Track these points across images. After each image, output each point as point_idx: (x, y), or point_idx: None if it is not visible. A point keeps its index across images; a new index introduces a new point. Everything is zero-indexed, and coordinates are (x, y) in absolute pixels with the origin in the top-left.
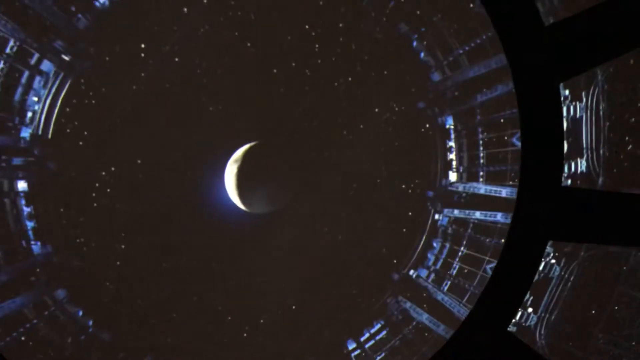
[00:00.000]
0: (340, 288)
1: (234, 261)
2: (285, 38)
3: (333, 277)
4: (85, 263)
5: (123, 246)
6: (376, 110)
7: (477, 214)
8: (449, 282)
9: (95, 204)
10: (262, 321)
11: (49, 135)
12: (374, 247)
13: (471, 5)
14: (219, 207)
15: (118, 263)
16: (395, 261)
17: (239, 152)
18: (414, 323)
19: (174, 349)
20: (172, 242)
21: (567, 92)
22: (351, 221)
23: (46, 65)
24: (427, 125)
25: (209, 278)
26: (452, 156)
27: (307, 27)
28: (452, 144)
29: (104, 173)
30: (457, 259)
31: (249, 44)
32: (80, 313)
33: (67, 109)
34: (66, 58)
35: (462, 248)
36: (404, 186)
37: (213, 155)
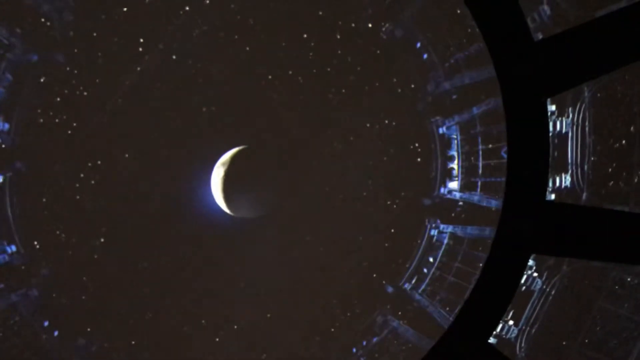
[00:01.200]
0: (319, 299)
1: (213, 264)
2: (282, 45)
3: (312, 288)
4: (62, 255)
5: (102, 240)
6: (367, 125)
7: (470, 229)
8: (438, 296)
9: (77, 197)
10: (235, 327)
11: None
12: (357, 259)
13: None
14: (203, 208)
15: (95, 256)
16: (374, 275)
17: (227, 156)
18: (396, 334)
19: (145, 348)
20: (152, 241)
21: (553, 107)
22: (335, 232)
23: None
24: (422, 134)
25: (186, 279)
26: (453, 165)
27: (305, 35)
28: (452, 153)
29: (90, 164)
30: (450, 274)
31: (247, 48)
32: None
33: (58, 99)
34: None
35: (455, 263)
36: (389, 201)
37: (201, 156)
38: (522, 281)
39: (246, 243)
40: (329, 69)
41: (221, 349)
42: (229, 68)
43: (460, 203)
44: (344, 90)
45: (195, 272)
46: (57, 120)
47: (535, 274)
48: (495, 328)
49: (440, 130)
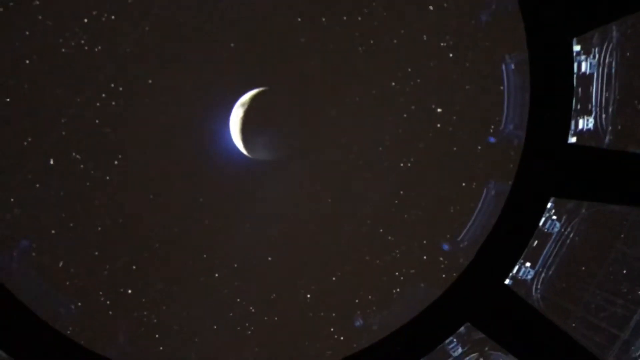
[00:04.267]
0: (315, 246)
1: (222, 202)
2: None
3: (314, 237)
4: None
5: (116, 161)
6: (393, 84)
7: None
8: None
9: (97, 121)
10: (235, 266)
11: None
12: (360, 215)
13: None
14: (220, 147)
15: (108, 177)
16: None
17: (247, 96)
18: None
19: (142, 270)
20: (166, 172)
21: (579, 47)
22: (344, 187)
23: None
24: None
25: (193, 212)
26: None
27: None
28: None
29: (104, 95)
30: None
31: None
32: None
33: (85, 20)
34: None
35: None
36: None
37: (223, 94)
38: (541, 224)
39: (261, 185)
40: (359, 18)
41: (219, 285)
42: (260, 7)
43: None
44: (372, 42)
45: (204, 207)
46: (82, 42)
47: (554, 217)
48: (512, 269)
49: None
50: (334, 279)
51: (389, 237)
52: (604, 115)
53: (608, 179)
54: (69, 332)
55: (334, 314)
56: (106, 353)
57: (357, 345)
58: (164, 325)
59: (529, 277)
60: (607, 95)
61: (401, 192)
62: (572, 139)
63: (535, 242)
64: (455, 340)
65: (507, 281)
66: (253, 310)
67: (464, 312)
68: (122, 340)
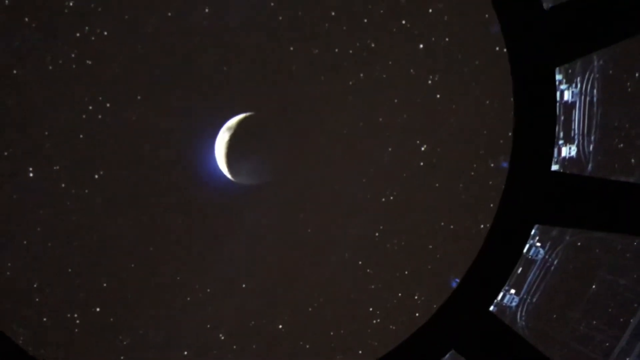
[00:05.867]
0: (293, 274)
1: (202, 224)
2: (319, 22)
3: (292, 265)
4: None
5: (97, 175)
6: (380, 119)
7: None
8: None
9: (81, 136)
10: (208, 290)
11: None
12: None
13: None
14: (204, 170)
15: (86, 191)
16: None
17: (233, 121)
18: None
19: (118, 295)
20: (148, 192)
21: (561, 76)
22: (326, 216)
23: None
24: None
25: (171, 233)
26: None
27: (333, 13)
28: None
29: (100, 98)
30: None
31: (280, 18)
32: None
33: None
34: None
35: None
36: (388, 192)
37: (210, 116)
38: (525, 250)
39: (241, 210)
40: (350, 52)
41: (191, 310)
42: (255, 32)
43: None
44: (361, 75)
45: (183, 229)
46: (72, 55)
47: (538, 244)
48: (496, 296)
49: None
50: (310, 309)
51: (368, 270)
52: (586, 143)
53: (591, 207)
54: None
55: (308, 346)
56: None
57: None
58: (133, 345)
59: (514, 303)
60: (589, 123)
61: (381, 227)
62: (555, 167)
63: (520, 269)
64: None
65: (492, 308)
66: (222, 338)
67: (449, 340)
68: None
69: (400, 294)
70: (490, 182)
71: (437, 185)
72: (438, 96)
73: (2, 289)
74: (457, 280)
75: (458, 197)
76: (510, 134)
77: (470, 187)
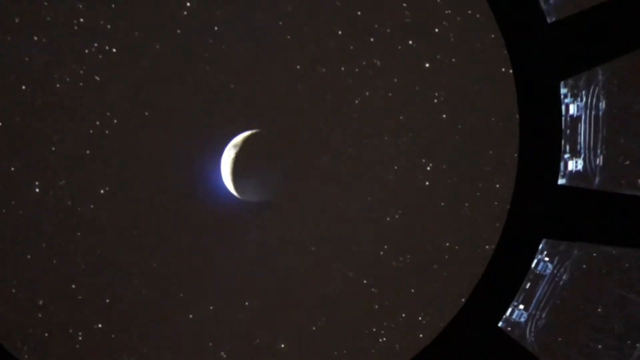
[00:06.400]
0: (296, 293)
1: (206, 241)
2: (324, 40)
3: (296, 284)
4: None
5: (102, 190)
6: (386, 138)
7: None
8: None
9: (87, 152)
10: (211, 308)
11: None
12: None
13: None
14: (209, 186)
15: (91, 206)
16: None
17: (240, 138)
18: None
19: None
20: (151, 207)
21: (566, 90)
22: (330, 234)
23: None
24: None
25: (175, 249)
26: None
27: (339, 32)
28: None
29: (108, 114)
30: None
31: (288, 37)
32: None
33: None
34: None
35: None
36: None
37: (216, 133)
38: (533, 265)
39: (246, 227)
40: (357, 70)
41: (191, 328)
42: (262, 49)
43: None
44: (367, 93)
45: (184, 244)
46: (81, 72)
47: (546, 258)
48: (505, 312)
49: None
50: (313, 328)
51: (373, 290)
52: (592, 157)
53: (599, 220)
54: None
55: None
56: None
57: None
58: None
59: (523, 319)
60: (595, 136)
61: (385, 246)
62: (562, 181)
63: (528, 284)
64: None
65: (500, 324)
66: (225, 356)
67: (457, 356)
68: None
69: (405, 314)
70: (496, 201)
71: (442, 204)
72: (444, 116)
73: (6, 304)
74: (465, 297)
75: (464, 215)
76: (516, 149)
77: (476, 205)
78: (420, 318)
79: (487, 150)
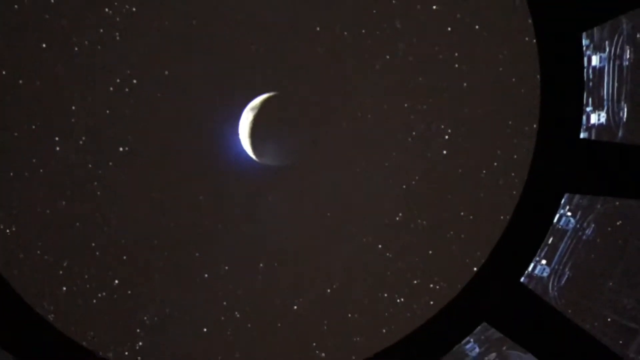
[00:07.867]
0: (312, 257)
1: (223, 203)
2: (347, 2)
3: (312, 248)
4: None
5: (122, 149)
6: (405, 104)
7: None
8: None
9: (107, 111)
10: (226, 268)
11: None
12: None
13: None
14: (227, 150)
15: (110, 164)
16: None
17: (258, 100)
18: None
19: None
20: (169, 168)
21: (588, 41)
22: (347, 199)
23: None
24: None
25: (193, 210)
26: None
27: None
28: None
29: (128, 71)
30: None
31: None
32: None
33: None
34: None
35: None
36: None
37: (234, 95)
38: (555, 220)
39: (263, 191)
40: (377, 32)
41: (207, 288)
42: (283, 14)
43: None
44: (387, 57)
45: (202, 205)
46: (101, 30)
47: (568, 213)
48: (527, 267)
49: None
50: (328, 291)
51: (388, 254)
52: (616, 109)
53: (622, 174)
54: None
55: (325, 327)
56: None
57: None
58: (152, 320)
59: (545, 274)
60: (618, 88)
61: (400, 213)
62: (584, 134)
63: (551, 240)
64: (472, 340)
65: (523, 279)
66: (238, 316)
67: (480, 312)
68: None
69: (423, 276)
70: (516, 156)
71: (460, 171)
72: (464, 82)
73: (33, 266)
74: (486, 254)
75: (484, 175)
76: (537, 104)
77: (496, 168)
78: (438, 278)
79: (509, 108)
